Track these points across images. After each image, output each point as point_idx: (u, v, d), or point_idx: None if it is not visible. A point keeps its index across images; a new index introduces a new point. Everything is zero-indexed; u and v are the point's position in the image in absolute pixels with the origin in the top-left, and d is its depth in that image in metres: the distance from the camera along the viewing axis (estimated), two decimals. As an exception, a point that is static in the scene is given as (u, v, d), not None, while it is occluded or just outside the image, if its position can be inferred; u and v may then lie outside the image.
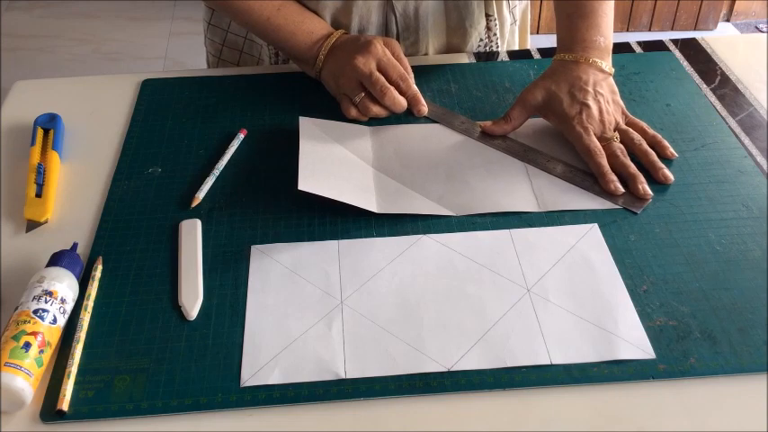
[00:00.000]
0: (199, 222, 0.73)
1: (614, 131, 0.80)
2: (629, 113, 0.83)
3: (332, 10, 0.92)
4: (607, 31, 0.83)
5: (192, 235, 0.72)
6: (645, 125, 0.82)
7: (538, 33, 2.71)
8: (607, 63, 0.82)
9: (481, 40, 0.99)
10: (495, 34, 0.99)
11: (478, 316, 0.64)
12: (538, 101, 0.82)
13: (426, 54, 0.98)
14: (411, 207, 0.74)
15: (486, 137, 0.83)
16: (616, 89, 0.82)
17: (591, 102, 0.79)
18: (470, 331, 0.63)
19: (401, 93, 0.84)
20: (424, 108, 0.85)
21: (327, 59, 0.87)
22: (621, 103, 0.83)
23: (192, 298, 0.66)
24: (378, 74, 0.83)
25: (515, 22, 1.04)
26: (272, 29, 0.88)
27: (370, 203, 0.74)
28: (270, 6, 0.87)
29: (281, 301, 0.66)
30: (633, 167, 0.77)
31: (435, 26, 0.96)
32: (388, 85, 0.83)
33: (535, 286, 0.66)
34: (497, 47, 1.01)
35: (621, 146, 0.79)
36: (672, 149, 0.80)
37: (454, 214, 0.74)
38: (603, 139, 0.79)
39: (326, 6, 0.91)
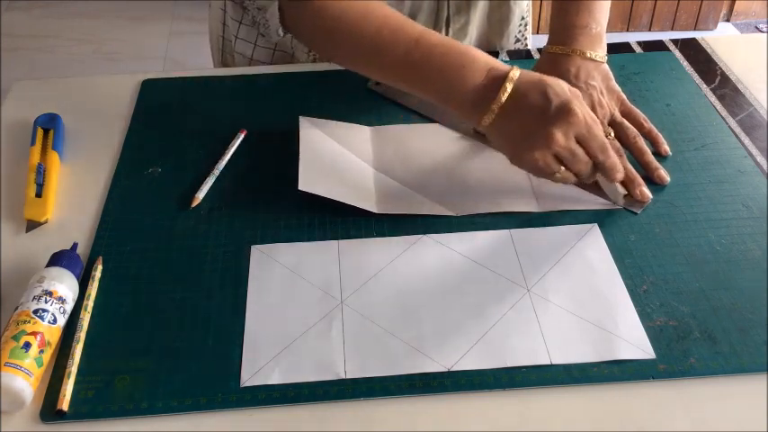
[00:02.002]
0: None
1: (609, 126, 0.78)
2: (626, 101, 0.81)
3: None
4: (600, 16, 0.80)
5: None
6: (642, 116, 0.80)
7: (538, 33, 2.71)
8: (598, 52, 0.79)
9: (523, 18, 0.99)
10: (529, 12, 0.99)
11: (478, 316, 0.64)
12: None
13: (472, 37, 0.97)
14: (411, 207, 0.74)
15: (485, 137, 0.83)
16: (610, 75, 0.80)
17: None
18: (470, 331, 0.63)
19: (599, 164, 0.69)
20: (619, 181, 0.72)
21: (506, 111, 0.68)
22: (618, 88, 0.80)
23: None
24: (578, 150, 0.67)
25: (529, 10, 1.04)
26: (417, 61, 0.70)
27: (370, 204, 0.74)
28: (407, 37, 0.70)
29: (281, 301, 0.65)
30: (631, 169, 0.76)
31: (483, 5, 0.95)
32: (589, 161, 0.68)
33: (535, 286, 0.66)
34: (530, 33, 1.01)
35: (618, 144, 0.77)
36: (666, 147, 0.80)
37: (454, 214, 0.74)
38: None
39: None
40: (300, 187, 0.73)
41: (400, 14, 0.72)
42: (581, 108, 0.66)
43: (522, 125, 0.67)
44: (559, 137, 0.66)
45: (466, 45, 0.71)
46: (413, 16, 0.93)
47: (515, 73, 0.68)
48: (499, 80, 0.67)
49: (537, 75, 0.69)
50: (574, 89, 0.69)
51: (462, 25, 0.96)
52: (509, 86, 0.67)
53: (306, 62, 0.97)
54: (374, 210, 0.73)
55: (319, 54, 0.89)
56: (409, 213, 0.74)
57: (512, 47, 1.01)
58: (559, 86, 0.67)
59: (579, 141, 0.67)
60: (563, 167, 0.68)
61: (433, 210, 0.74)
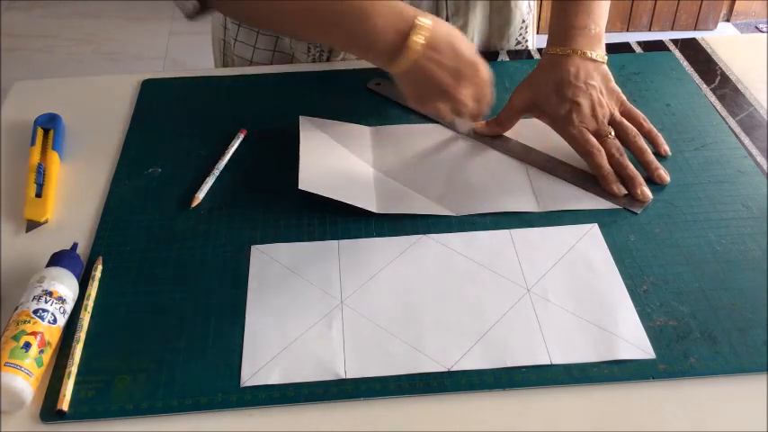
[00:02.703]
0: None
1: (609, 125, 0.78)
2: (626, 101, 0.81)
3: None
4: (599, 18, 0.81)
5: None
6: (642, 117, 0.81)
7: (538, 33, 2.71)
8: (597, 52, 0.79)
9: (524, 21, 0.99)
10: (530, 14, 0.99)
11: (478, 316, 0.64)
12: (525, 102, 0.80)
13: (472, 39, 0.97)
14: (411, 207, 0.74)
15: (485, 137, 0.83)
16: (610, 76, 0.80)
17: (581, 97, 0.77)
18: (470, 331, 0.63)
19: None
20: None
21: (418, 63, 0.70)
22: (617, 89, 0.80)
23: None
24: (472, 105, 0.75)
25: (530, 12, 1.04)
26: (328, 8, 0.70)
27: (370, 203, 0.74)
28: None
29: (281, 301, 0.65)
30: (631, 168, 0.76)
31: (483, 7, 0.95)
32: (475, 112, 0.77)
33: (535, 286, 0.66)
34: (531, 35, 1.01)
35: (618, 143, 0.77)
36: (666, 147, 0.80)
37: (454, 214, 0.74)
38: (599, 136, 0.77)
39: None
40: (300, 187, 0.73)
41: None
42: (485, 68, 0.74)
43: (433, 77, 0.72)
44: (465, 96, 0.73)
45: None
46: None
47: (425, 21, 0.70)
48: (409, 30, 0.69)
49: (446, 28, 0.72)
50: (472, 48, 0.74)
51: (461, 26, 0.96)
52: (421, 39, 0.69)
53: (306, 62, 0.97)
54: (374, 210, 0.73)
55: (231, 16, 0.92)
56: (409, 213, 0.74)
57: (512, 48, 1.01)
58: (467, 45, 0.73)
59: (474, 99, 0.75)
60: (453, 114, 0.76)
61: (433, 210, 0.74)
